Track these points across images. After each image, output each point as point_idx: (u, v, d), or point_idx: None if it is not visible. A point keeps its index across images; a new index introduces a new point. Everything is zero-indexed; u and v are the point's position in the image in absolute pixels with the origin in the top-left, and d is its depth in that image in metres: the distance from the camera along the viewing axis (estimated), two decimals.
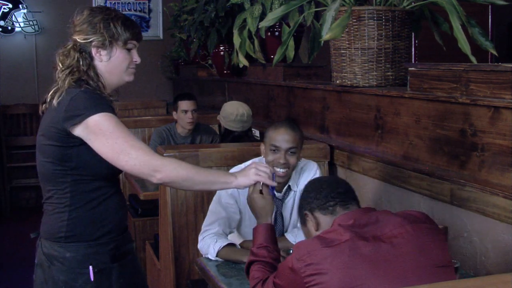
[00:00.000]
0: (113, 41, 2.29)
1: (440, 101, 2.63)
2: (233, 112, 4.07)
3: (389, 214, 1.97)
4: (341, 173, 3.47)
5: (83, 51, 2.28)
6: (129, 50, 2.35)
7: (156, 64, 8.00)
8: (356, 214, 1.95)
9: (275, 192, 2.81)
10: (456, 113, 2.54)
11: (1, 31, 7.64)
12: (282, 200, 2.84)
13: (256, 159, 2.88)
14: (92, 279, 2.29)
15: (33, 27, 7.64)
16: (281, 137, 2.71)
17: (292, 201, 2.85)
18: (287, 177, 2.78)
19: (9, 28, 7.65)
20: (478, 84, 2.42)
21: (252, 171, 2.31)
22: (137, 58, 2.38)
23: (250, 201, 2.49)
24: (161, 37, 8.12)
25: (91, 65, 2.29)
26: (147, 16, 8.11)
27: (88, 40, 2.27)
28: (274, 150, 2.71)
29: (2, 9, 7.61)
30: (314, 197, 2.05)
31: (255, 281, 2.18)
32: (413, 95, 2.81)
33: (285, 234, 2.78)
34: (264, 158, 2.79)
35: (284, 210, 2.85)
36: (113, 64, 2.31)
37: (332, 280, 1.77)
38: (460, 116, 2.52)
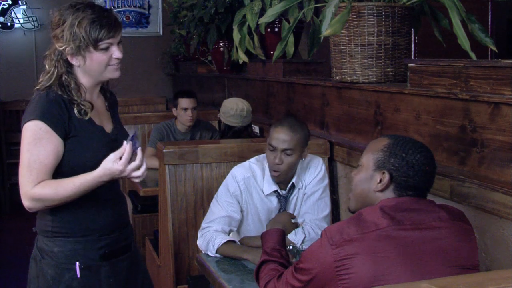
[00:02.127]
0: (85, 48, 2.25)
1: (440, 97, 2.63)
2: (233, 107, 4.08)
3: (434, 205, 1.95)
4: (341, 169, 3.48)
5: (60, 58, 2.29)
6: (105, 49, 2.28)
7: (155, 60, 8.00)
8: (402, 199, 1.92)
9: (280, 190, 2.80)
10: (455, 109, 2.54)
11: (1, 27, 7.63)
12: (286, 197, 2.83)
13: (260, 156, 2.88)
14: (78, 275, 2.31)
15: (32, 23, 7.63)
16: (278, 137, 2.70)
17: (296, 199, 2.84)
18: (284, 176, 2.76)
19: (9, 24, 7.65)
20: (477, 80, 2.42)
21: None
22: (117, 54, 2.30)
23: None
24: (161, 33, 8.11)
25: (65, 72, 2.29)
26: (147, 12, 8.10)
27: (62, 48, 2.26)
28: (271, 150, 2.71)
29: (1, 5, 7.60)
30: (409, 175, 1.92)
31: (269, 277, 2.14)
32: (412, 91, 2.81)
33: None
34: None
35: (288, 207, 2.84)
36: (89, 67, 2.30)
37: (362, 266, 1.76)
38: (460, 112, 2.52)
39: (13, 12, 7.62)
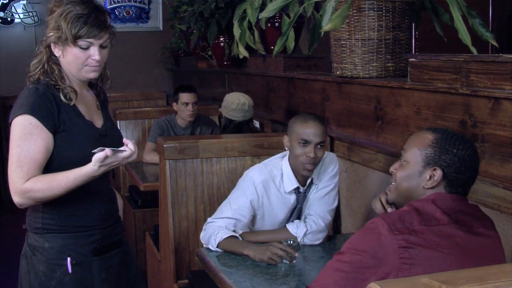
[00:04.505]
0: (64, 41, 2.26)
1: (440, 92, 2.63)
2: (234, 101, 4.08)
3: (479, 210, 1.93)
4: (341, 164, 3.47)
5: (47, 45, 2.32)
6: (84, 48, 2.28)
7: (155, 56, 7.99)
8: (453, 196, 1.89)
9: (300, 186, 2.79)
10: (456, 104, 2.54)
11: (1, 22, 7.62)
12: (305, 194, 2.83)
13: (278, 156, 2.87)
14: (70, 270, 2.32)
15: (32, 18, 7.62)
16: (311, 130, 2.68)
17: (313, 194, 2.84)
18: (314, 170, 2.76)
19: (9, 19, 7.63)
20: (478, 75, 2.42)
21: None
22: (95, 57, 2.28)
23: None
24: (161, 28, 8.09)
25: (51, 59, 2.32)
26: (147, 7, 8.09)
27: (48, 35, 2.30)
28: (304, 144, 2.68)
29: (1, 0, 7.59)
30: (461, 171, 1.87)
31: None
32: (413, 86, 2.81)
33: (287, 225, 2.78)
34: (288, 152, 2.78)
35: (306, 204, 2.84)
36: (66, 61, 2.31)
37: (423, 258, 1.71)
38: (461, 107, 2.52)
39: (13, 7, 7.61)
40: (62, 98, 2.28)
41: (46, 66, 2.31)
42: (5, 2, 7.60)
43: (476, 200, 2.37)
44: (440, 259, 1.73)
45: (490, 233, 1.88)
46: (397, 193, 2.00)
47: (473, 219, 1.86)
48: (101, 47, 2.30)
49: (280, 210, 2.81)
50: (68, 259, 2.32)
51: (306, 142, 2.68)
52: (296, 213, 2.85)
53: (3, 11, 7.60)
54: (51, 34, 2.28)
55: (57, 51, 2.30)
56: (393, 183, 2.04)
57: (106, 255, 2.41)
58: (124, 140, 2.27)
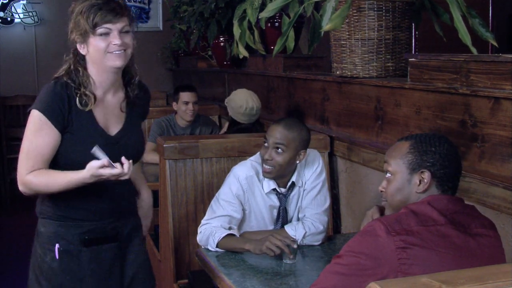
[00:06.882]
0: (85, 34, 2.29)
1: (440, 92, 2.63)
2: (243, 105, 4.04)
3: (476, 210, 1.94)
4: (341, 164, 3.48)
5: (73, 47, 2.36)
6: (104, 35, 2.28)
7: (155, 55, 7.99)
8: (447, 197, 1.90)
9: (279, 188, 2.78)
10: (456, 104, 2.54)
11: (1, 22, 7.62)
12: (286, 195, 2.81)
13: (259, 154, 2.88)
14: (57, 257, 2.37)
15: (32, 18, 7.62)
16: (272, 131, 2.69)
17: (297, 196, 2.82)
18: (274, 175, 2.73)
19: (9, 19, 7.63)
20: (478, 75, 2.42)
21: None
22: (115, 41, 2.28)
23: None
24: (161, 28, 8.10)
25: (77, 62, 2.35)
26: (147, 7, 8.09)
27: (71, 38, 2.34)
28: (264, 143, 2.71)
29: (1, 0, 7.59)
30: (446, 165, 1.90)
31: None
32: (413, 86, 2.81)
33: (285, 227, 2.77)
34: None
35: (289, 204, 2.82)
36: (92, 54, 2.33)
37: (420, 258, 1.72)
38: (461, 107, 2.52)
39: (13, 7, 7.61)
40: (78, 103, 2.30)
41: (72, 67, 2.34)
42: (5, 2, 7.60)
43: (476, 200, 2.37)
44: (438, 258, 1.74)
45: (490, 233, 1.88)
46: (392, 209, 2.02)
47: (471, 220, 1.87)
48: (122, 32, 2.31)
49: (264, 207, 2.80)
50: (57, 245, 2.37)
51: (266, 142, 2.70)
52: (282, 213, 2.83)
53: (3, 11, 7.60)
54: (73, 34, 2.31)
55: (82, 49, 2.33)
56: (384, 201, 2.07)
57: (96, 247, 2.42)
58: (123, 159, 2.23)
